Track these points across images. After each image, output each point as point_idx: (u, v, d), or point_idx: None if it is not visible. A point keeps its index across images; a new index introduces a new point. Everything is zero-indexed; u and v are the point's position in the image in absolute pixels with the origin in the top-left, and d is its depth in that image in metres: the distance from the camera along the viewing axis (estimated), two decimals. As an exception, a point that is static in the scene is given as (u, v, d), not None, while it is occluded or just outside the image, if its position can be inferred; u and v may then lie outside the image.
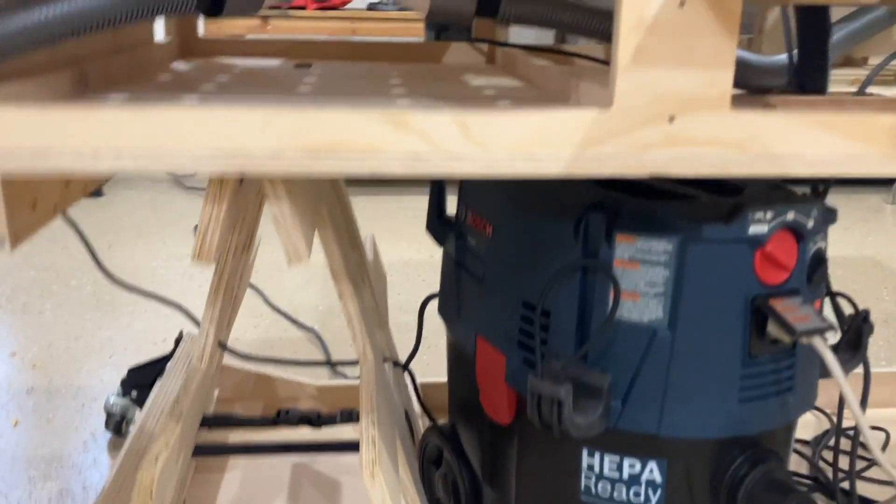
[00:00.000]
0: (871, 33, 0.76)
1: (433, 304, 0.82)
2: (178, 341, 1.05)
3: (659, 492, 0.59)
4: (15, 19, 0.44)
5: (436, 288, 0.80)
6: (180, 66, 0.78)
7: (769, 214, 0.54)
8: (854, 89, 0.72)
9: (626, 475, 0.59)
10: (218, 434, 0.96)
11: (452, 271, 0.75)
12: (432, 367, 1.36)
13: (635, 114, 0.43)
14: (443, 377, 0.84)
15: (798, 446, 0.99)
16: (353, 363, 1.29)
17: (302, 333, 1.53)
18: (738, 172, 0.44)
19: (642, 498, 0.59)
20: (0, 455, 1.10)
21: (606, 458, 0.60)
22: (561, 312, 0.59)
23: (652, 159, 0.44)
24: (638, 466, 0.59)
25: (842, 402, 0.81)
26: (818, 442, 1.01)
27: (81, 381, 1.32)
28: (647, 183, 0.62)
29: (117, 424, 1.13)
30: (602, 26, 0.61)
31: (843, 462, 0.88)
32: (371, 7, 2.84)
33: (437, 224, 0.78)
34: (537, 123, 0.43)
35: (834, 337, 0.60)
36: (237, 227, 0.61)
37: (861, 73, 0.87)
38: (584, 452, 0.60)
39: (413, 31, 2.58)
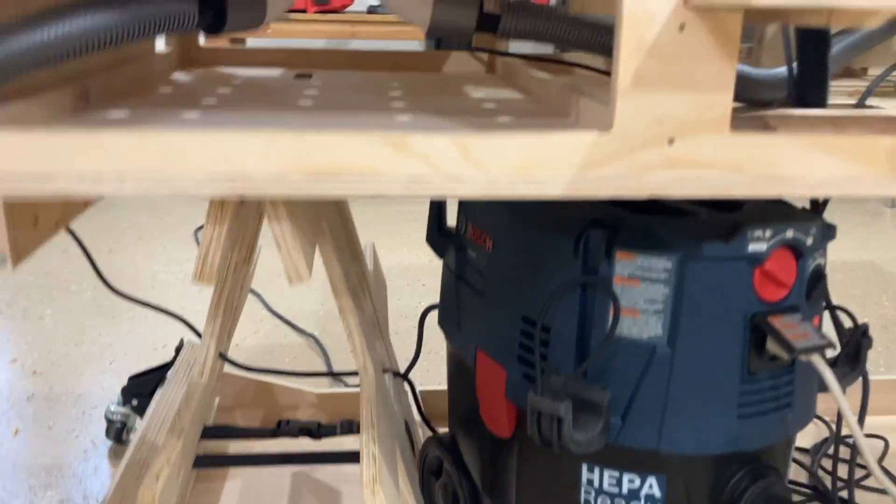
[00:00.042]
0: (871, 45, 0.76)
1: (433, 312, 0.82)
2: (178, 350, 1.06)
3: (658, 507, 0.59)
4: (17, 40, 0.44)
5: (435, 293, 0.80)
6: (181, 76, 0.78)
7: (768, 232, 0.55)
8: (853, 101, 0.72)
9: (625, 490, 0.60)
10: (218, 444, 0.96)
11: (452, 284, 0.75)
12: (432, 373, 1.36)
13: (635, 136, 0.43)
14: (443, 384, 0.84)
15: (797, 454, 0.99)
16: (353, 374, 1.29)
17: (302, 339, 1.53)
18: (738, 194, 0.45)
19: (642, 513, 0.60)
20: (1, 464, 1.10)
21: (606, 473, 0.60)
22: (561, 328, 0.59)
23: (652, 181, 0.44)
24: (637, 482, 0.59)
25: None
26: (817, 450, 1.01)
27: (82, 387, 1.32)
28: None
29: (118, 432, 1.13)
30: (602, 41, 0.61)
31: (843, 470, 0.89)
32: (371, 10, 2.84)
33: (438, 236, 0.78)
34: (538, 146, 0.43)
35: (833, 350, 0.60)
36: (238, 244, 0.61)
37: (860, 84, 0.87)
38: (584, 467, 0.61)
39: (413, 35, 2.58)
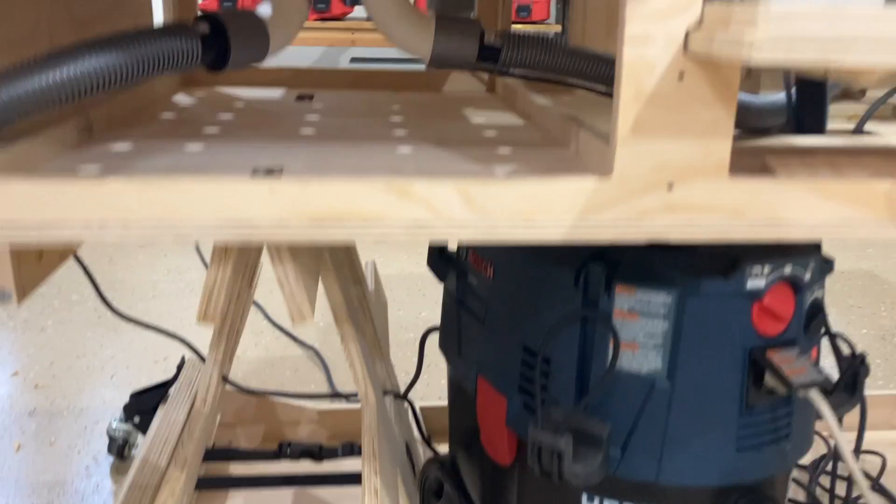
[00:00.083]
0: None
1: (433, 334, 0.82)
2: (179, 367, 1.06)
3: (658, 537, 0.60)
4: (22, 83, 0.45)
5: (435, 303, 0.81)
6: (183, 99, 0.79)
7: (767, 268, 0.55)
8: (852, 125, 0.73)
9: (625, 520, 0.60)
10: (220, 466, 0.96)
11: (453, 308, 0.75)
12: (433, 387, 1.36)
13: (635, 182, 0.44)
14: (443, 398, 0.85)
15: (795, 472, 0.99)
16: (354, 395, 1.30)
17: (302, 352, 1.53)
18: (737, 238, 0.45)
19: (641, 543, 0.60)
20: (3, 482, 1.10)
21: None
22: (561, 360, 0.59)
23: (651, 226, 0.44)
24: (637, 512, 0.60)
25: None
26: (815, 467, 1.02)
27: (84, 402, 1.33)
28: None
29: (120, 449, 1.13)
30: (601, 72, 0.62)
31: (840, 488, 0.89)
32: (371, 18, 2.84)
33: (439, 260, 0.79)
34: (538, 192, 0.43)
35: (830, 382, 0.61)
36: (241, 275, 0.62)
37: (859, 107, 0.87)
38: (584, 497, 0.61)
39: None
